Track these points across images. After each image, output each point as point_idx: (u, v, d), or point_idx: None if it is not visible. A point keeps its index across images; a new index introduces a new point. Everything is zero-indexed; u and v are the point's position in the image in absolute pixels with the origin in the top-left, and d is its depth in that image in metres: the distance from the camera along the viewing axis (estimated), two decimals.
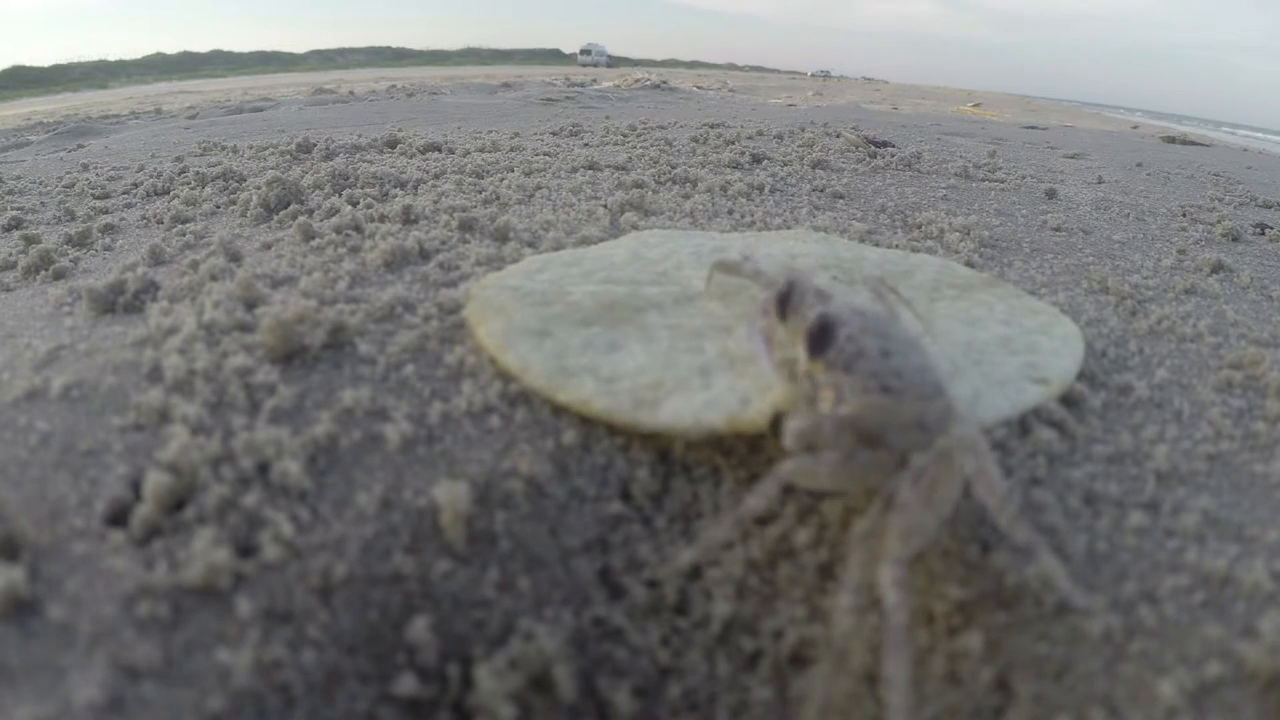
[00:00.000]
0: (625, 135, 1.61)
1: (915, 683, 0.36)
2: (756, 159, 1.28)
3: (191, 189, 1.08)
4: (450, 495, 0.38)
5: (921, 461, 0.37)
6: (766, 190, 1.06)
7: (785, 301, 0.45)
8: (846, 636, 0.35)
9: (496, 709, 0.34)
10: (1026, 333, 0.55)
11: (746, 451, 0.46)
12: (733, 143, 1.47)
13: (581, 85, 4.49)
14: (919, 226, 0.93)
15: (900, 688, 0.32)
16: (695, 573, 0.42)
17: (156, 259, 0.76)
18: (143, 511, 0.36)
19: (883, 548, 0.35)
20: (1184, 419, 0.51)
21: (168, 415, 0.43)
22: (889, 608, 0.33)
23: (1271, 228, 1.09)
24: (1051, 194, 1.20)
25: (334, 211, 0.88)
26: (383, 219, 0.84)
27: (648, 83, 4.91)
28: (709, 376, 0.46)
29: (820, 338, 0.40)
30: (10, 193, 1.16)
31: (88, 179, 1.22)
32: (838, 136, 1.65)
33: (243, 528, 0.37)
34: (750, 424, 0.43)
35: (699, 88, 5.33)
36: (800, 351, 0.42)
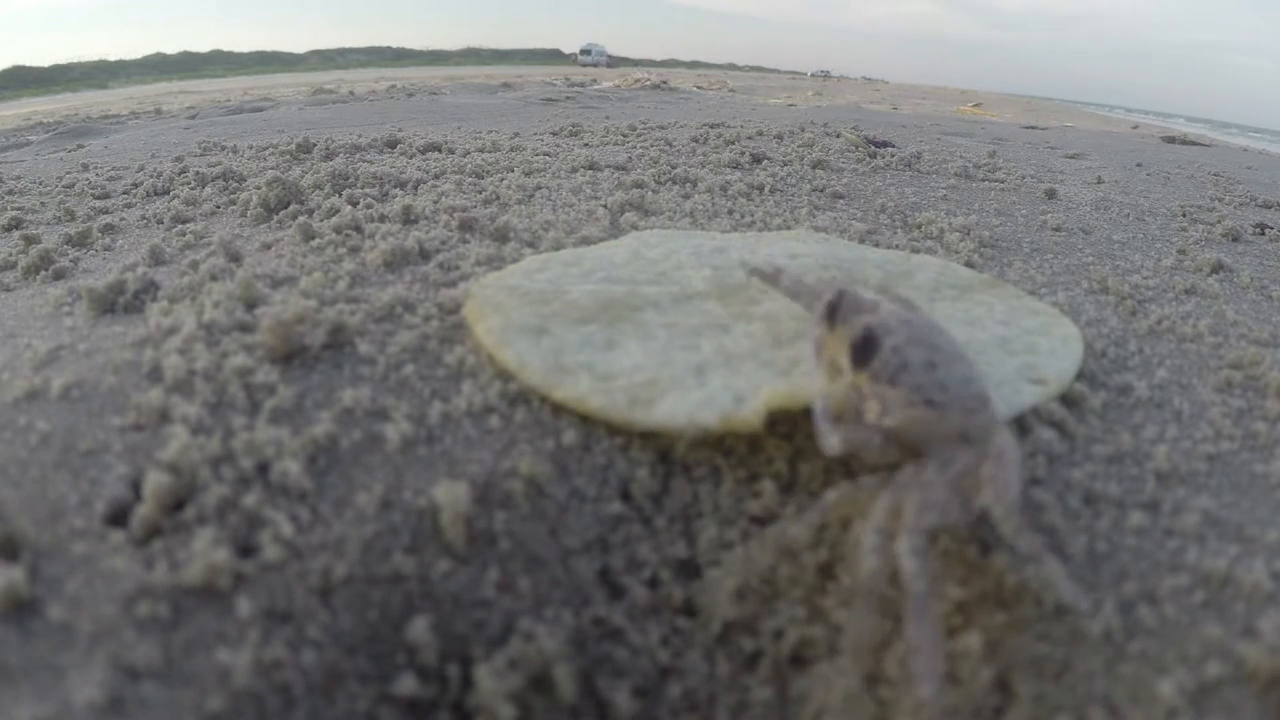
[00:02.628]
0: (625, 135, 1.61)
1: (915, 681, 0.36)
2: (756, 159, 1.28)
3: (191, 189, 1.08)
4: (450, 495, 0.38)
5: (955, 455, 0.38)
6: (766, 190, 1.06)
7: (834, 311, 0.44)
8: (874, 576, 0.35)
9: (496, 709, 0.34)
10: (1025, 333, 0.55)
11: (746, 451, 0.46)
12: (733, 143, 1.47)
13: (581, 85, 4.49)
14: (919, 226, 0.93)
15: (925, 653, 0.32)
16: (695, 572, 0.42)
17: (156, 259, 0.76)
18: (143, 511, 0.36)
19: (901, 518, 0.36)
20: (1184, 419, 0.51)
21: (168, 415, 0.43)
22: (908, 576, 0.34)
23: (1271, 228, 1.09)
24: (1051, 194, 1.20)
25: (334, 211, 0.88)
26: (383, 219, 0.84)
27: (648, 83, 4.90)
28: (704, 375, 0.46)
29: (865, 348, 0.41)
30: (10, 193, 1.16)
31: (88, 179, 1.22)
32: (838, 136, 1.65)
33: (243, 528, 0.37)
34: (744, 423, 0.43)
35: (699, 88, 5.33)
36: (846, 362, 0.42)
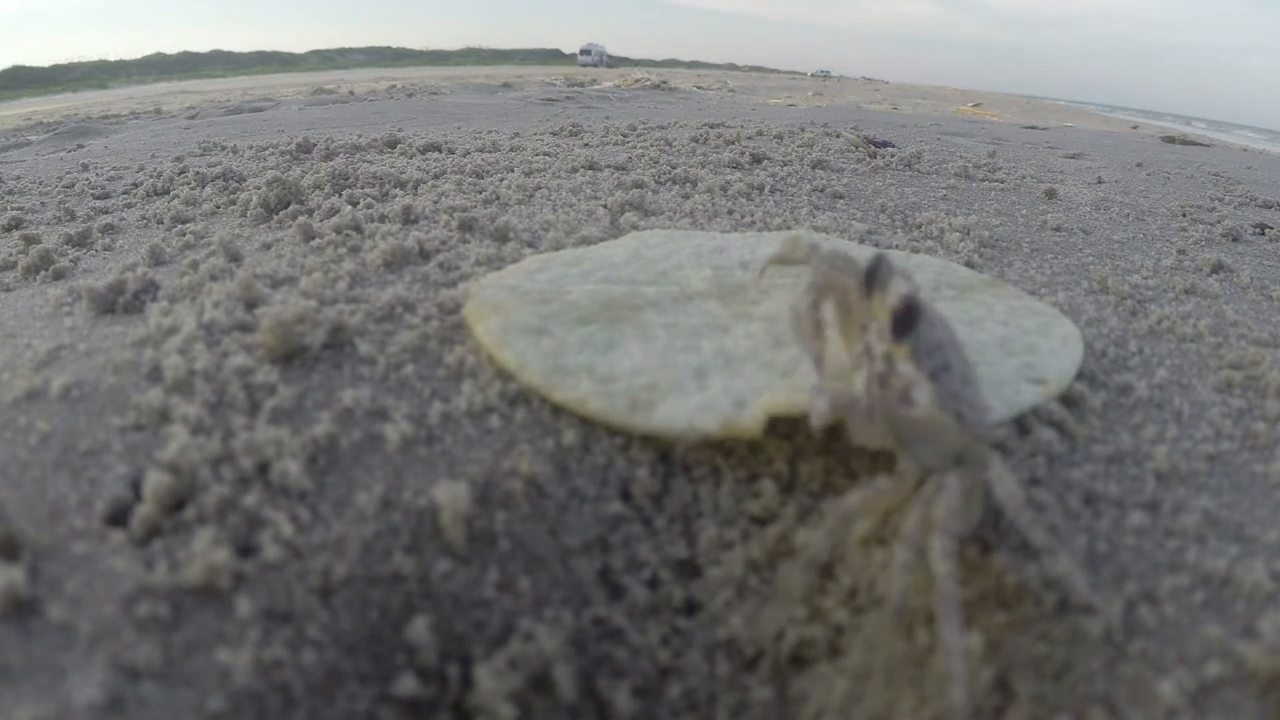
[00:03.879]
0: (625, 135, 1.61)
1: (916, 681, 0.36)
2: (756, 159, 1.28)
3: (191, 189, 1.08)
4: (450, 495, 0.38)
5: (962, 471, 0.38)
6: (766, 190, 1.06)
7: (873, 276, 0.42)
8: (905, 594, 0.35)
9: (496, 709, 0.34)
10: (1025, 333, 0.55)
11: (746, 451, 0.46)
12: (733, 143, 1.47)
13: (581, 85, 4.49)
14: (919, 226, 0.93)
15: (958, 655, 0.32)
16: (695, 572, 0.42)
17: (156, 259, 0.76)
18: (143, 511, 0.36)
19: (933, 521, 0.36)
20: (1184, 419, 0.51)
21: (168, 415, 0.43)
22: (940, 577, 0.34)
23: (1271, 228, 1.09)
24: (1051, 194, 1.20)
25: (334, 211, 0.88)
26: (383, 219, 0.84)
27: (648, 83, 4.91)
28: (704, 377, 0.46)
29: (906, 319, 0.39)
30: (10, 193, 1.16)
31: (88, 179, 1.22)
32: (838, 136, 1.65)
33: (243, 528, 0.37)
34: (744, 430, 0.43)
35: (699, 88, 5.33)
36: (881, 330, 0.40)
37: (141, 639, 0.31)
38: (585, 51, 27.85)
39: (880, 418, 0.38)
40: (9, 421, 0.42)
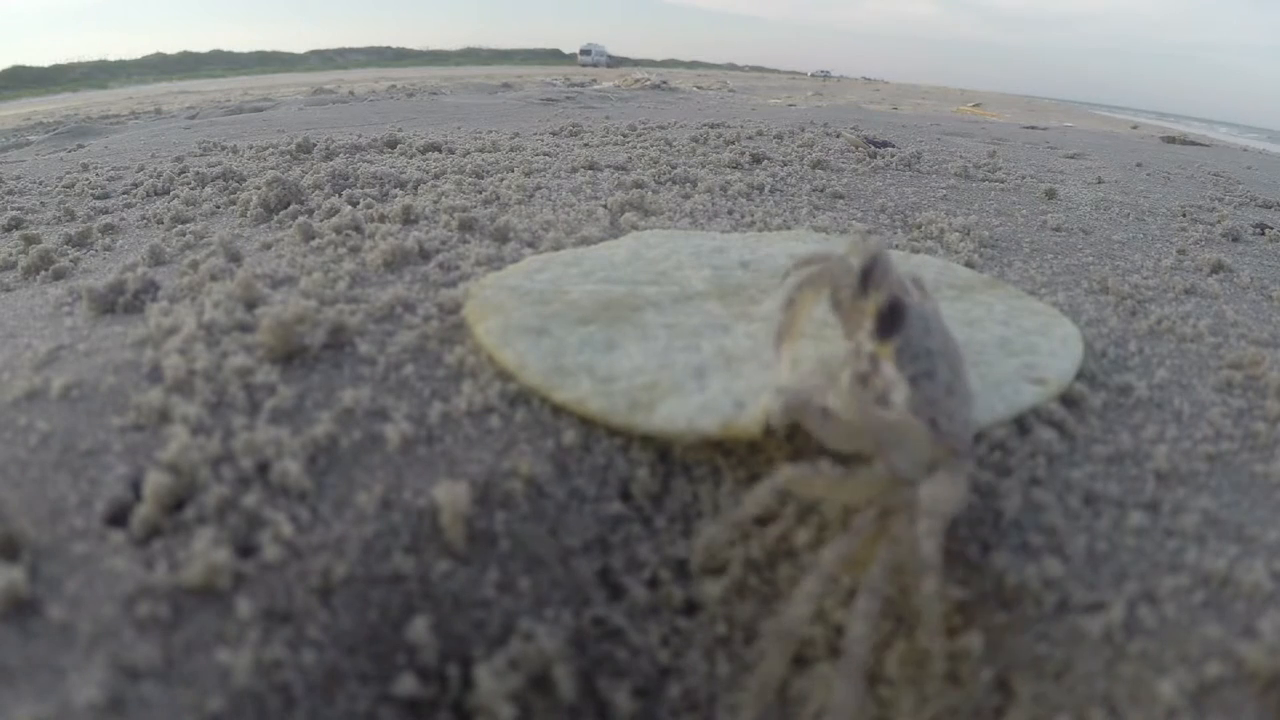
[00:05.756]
0: (625, 135, 1.61)
1: (916, 682, 0.36)
2: (756, 159, 1.28)
3: (191, 189, 1.08)
4: (450, 495, 0.38)
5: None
6: (766, 190, 1.06)
7: (868, 276, 0.42)
8: (799, 622, 0.35)
9: (496, 709, 0.34)
10: (1025, 333, 0.55)
11: (746, 452, 0.46)
12: (733, 143, 1.47)
13: (581, 85, 4.49)
14: (919, 226, 0.93)
15: (932, 615, 0.33)
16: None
17: (156, 259, 0.76)
18: (143, 511, 0.36)
19: (914, 516, 0.35)
20: (1184, 419, 0.51)
21: (168, 415, 0.43)
22: (851, 639, 0.34)
23: (1271, 228, 1.09)
24: (1051, 194, 1.20)
25: (334, 211, 0.88)
26: (383, 219, 0.84)
27: (648, 83, 4.90)
28: (704, 378, 0.46)
29: (890, 319, 0.39)
30: (10, 193, 1.16)
31: (88, 179, 1.22)
32: (838, 136, 1.65)
33: (243, 528, 0.37)
34: (744, 430, 0.43)
35: (699, 88, 5.33)
36: (870, 328, 0.40)
37: (141, 639, 0.31)
38: (585, 51, 27.83)
39: (849, 416, 0.38)
40: (9, 421, 0.42)
